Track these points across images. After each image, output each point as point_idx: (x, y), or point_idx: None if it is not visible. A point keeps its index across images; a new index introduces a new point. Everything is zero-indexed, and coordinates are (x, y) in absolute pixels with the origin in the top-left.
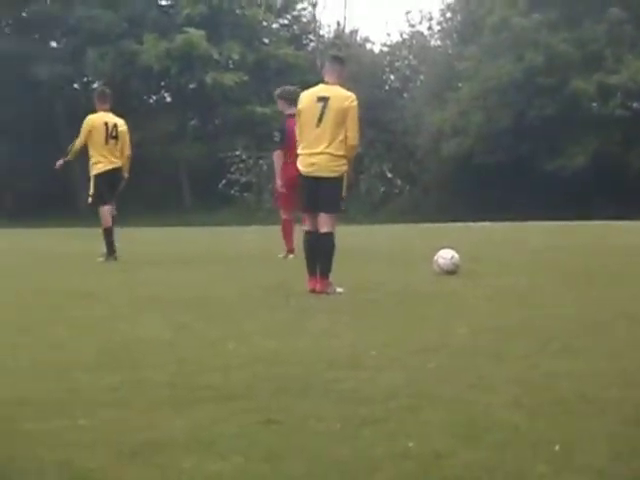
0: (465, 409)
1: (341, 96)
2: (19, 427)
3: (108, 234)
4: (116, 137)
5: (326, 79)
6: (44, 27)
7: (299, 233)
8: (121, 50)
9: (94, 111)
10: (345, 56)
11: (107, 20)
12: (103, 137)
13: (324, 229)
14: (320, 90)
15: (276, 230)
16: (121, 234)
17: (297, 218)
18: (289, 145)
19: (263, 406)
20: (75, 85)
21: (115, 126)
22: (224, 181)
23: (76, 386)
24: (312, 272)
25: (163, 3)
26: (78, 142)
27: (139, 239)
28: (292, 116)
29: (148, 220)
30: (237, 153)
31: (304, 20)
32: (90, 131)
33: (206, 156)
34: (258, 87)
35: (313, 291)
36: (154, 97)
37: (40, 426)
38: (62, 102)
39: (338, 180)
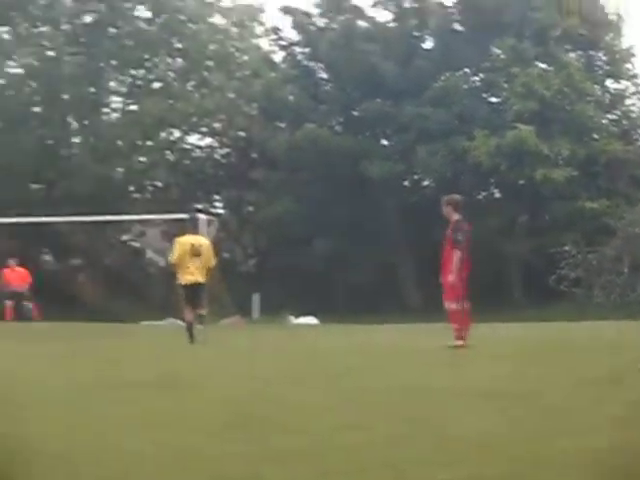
0: None
1: None
2: None
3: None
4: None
5: None
6: (375, 125)
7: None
8: (451, 147)
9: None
10: None
11: (438, 118)
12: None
13: None
14: None
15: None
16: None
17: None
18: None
19: None
20: (405, 182)
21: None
22: (554, 276)
23: None
24: None
25: (493, 100)
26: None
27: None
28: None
29: (480, 315)
30: (566, 248)
31: (633, 115)
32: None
33: (535, 251)
34: (587, 182)
35: None
36: (483, 193)
37: None
38: (392, 199)
39: None
